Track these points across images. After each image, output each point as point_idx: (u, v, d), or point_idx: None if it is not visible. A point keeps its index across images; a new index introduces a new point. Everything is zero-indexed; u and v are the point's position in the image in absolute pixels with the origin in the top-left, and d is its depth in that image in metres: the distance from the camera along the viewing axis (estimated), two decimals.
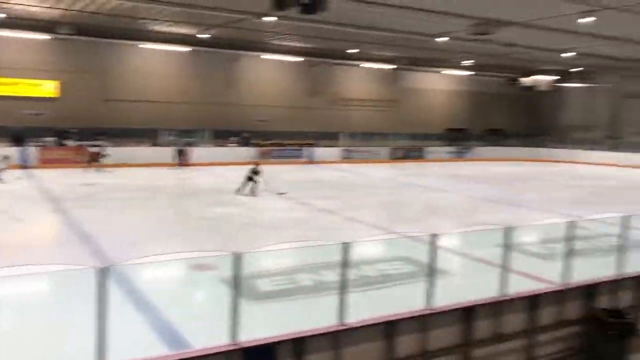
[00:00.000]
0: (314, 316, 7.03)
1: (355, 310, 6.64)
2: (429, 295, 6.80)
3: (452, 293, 7.79)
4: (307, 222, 15.24)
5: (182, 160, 27.49)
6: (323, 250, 10.55)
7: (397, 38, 25.94)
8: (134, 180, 22.56)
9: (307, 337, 5.92)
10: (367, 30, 23.81)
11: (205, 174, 25.47)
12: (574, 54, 29.04)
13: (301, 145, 32.70)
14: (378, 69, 36.59)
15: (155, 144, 28.45)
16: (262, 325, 7.90)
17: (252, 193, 18.49)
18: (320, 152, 32.58)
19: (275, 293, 9.72)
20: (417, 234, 8.41)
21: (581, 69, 38.70)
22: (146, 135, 28.34)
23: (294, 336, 5.91)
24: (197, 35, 27.51)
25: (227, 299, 5.73)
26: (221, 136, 30.85)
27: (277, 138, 32.63)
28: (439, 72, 38.87)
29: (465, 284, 10.56)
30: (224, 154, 29.40)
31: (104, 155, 24.59)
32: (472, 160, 37.43)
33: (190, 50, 30.11)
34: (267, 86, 33.53)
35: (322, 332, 6.03)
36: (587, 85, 41.21)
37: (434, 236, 6.87)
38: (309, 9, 16.33)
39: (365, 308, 7.02)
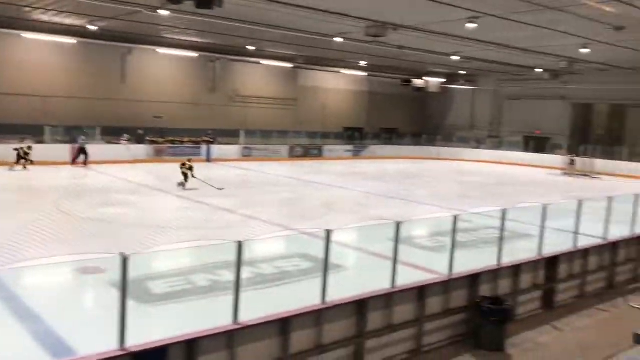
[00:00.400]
0: (209, 317, 6.92)
1: (252, 309, 6.62)
2: (324, 290, 6.92)
3: (347, 287, 7.98)
4: (203, 222, 14.96)
5: (79, 159, 26.10)
6: (219, 249, 10.41)
7: (295, 37, 26.11)
8: (14, 180, 20.98)
9: (200, 338, 5.81)
10: (265, 27, 23.71)
11: (95, 173, 24.22)
12: (459, 58, 30.77)
13: (199, 142, 32.03)
14: (278, 67, 36.64)
15: (40, 142, 26.57)
16: (157, 328, 7.67)
17: (182, 186, 19.83)
18: (219, 150, 32.09)
19: (170, 295, 9.47)
20: (314, 230, 8.55)
21: (465, 72, 41.11)
22: (30, 131, 26.40)
23: (187, 338, 5.77)
24: (87, 27, 26.02)
25: (117, 303, 5.48)
26: (114, 133, 29.47)
27: (175, 135, 31.75)
28: (338, 71, 39.62)
29: (360, 278, 10.88)
30: (116, 153, 28.12)
31: None
32: (368, 158, 38.62)
33: (79, 42, 28.41)
34: (163, 82, 32.45)
35: (216, 332, 5.94)
36: (472, 87, 43.95)
37: (329, 232, 6.99)
38: (203, 3, 16.00)
39: (262, 306, 7.02)
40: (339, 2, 18.89)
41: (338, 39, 25.66)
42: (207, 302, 9.05)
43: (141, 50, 31.09)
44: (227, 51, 33.54)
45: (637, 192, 13.27)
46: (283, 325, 6.47)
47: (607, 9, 16.46)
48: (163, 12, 20.39)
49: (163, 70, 32.39)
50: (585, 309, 10.49)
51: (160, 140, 30.86)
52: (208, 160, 30.89)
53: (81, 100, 29.20)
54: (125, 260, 5.36)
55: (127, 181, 21.87)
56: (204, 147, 31.62)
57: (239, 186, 22.10)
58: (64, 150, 26.52)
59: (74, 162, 26.06)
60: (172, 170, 21.83)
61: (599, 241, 11.67)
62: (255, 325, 6.19)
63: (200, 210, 16.58)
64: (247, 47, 31.48)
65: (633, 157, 34.74)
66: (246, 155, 33.12)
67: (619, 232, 12.46)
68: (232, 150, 32.87)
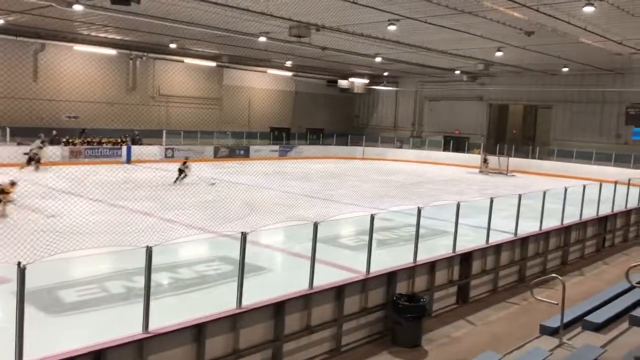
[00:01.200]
0: (123, 325, 6.63)
1: (169, 316, 6.42)
2: (240, 294, 6.81)
3: (269, 289, 7.91)
4: (119, 226, 14.38)
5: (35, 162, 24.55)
6: (136, 255, 10.05)
7: (219, 35, 25.70)
8: None
9: (108, 349, 5.55)
10: (186, 25, 23.17)
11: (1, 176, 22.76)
12: (381, 59, 31.40)
13: (117, 143, 30.86)
14: (201, 65, 35.95)
15: None
16: (65, 339, 7.28)
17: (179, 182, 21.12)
18: (139, 150, 31.05)
19: (83, 303, 9.04)
20: (233, 233, 8.41)
21: (388, 73, 42.03)
22: None
23: (94, 349, 5.50)
24: None
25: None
26: (25, 134, 27.81)
27: (93, 136, 30.43)
28: (263, 71, 39.39)
29: (280, 280, 10.83)
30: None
31: None
32: (294, 158, 38.62)
33: None
34: (79, 80, 30.88)
35: (124, 341, 5.70)
36: (395, 88, 45.02)
37: (244, 234, 6.88)
38: (119, 0, 15.41)
39: (179, 312, 6.82)
40: (262, 2, 18.75)
41: (262, 39, 25.50)
42: (121, 310, 8.70)
43: (55, 47, 29.57)
44: (148, 49, 32.55)
45: (546, 188, 13.99)
46: (197, 331, 6.31)
47: (516, 14, 17.27)
48: (77, 7, 19.47)
49: (79, 67, 30.86)
50: (497, 302, 10.96)
51: (77, 141, 29.47)
52: (128, 162, 29.81)
53: None
54: (23, 270, 5.03)
55: (38, 185, 20.71)
56: (124, 149, 30.50)
57: (159, 188, 21.46)
58: None
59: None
60: (87, 172, 20.88)
61: (510, 236, 12.21)
62: (168, 332, 6.00)
63: (117, 214, 15.95)
64: (169, 45, 30.68)
65: (542, 155, 36.81)
66: (169, 157, 32.26)
67: (529, 227, 13.12)
68: (154, 151, 31.92)
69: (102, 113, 31.39)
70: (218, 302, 7.29)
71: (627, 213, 17.53)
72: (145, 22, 22.47)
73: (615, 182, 16.93)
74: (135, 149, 31.02)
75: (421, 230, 9.91)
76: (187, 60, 34.60)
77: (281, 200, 20.08)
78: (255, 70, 39.18)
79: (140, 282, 8.76)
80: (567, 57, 28.01)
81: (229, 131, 37.19)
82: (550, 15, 17.52)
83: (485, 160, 35.67)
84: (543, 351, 6.98)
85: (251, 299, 7.00)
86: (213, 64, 35.89)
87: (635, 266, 9.01)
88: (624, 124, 34.61)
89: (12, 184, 15.54)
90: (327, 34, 23.19)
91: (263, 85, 41.25)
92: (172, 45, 30.84)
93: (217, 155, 35.08)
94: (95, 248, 10.83)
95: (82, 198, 17.89)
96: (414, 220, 9.77)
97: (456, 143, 41.58)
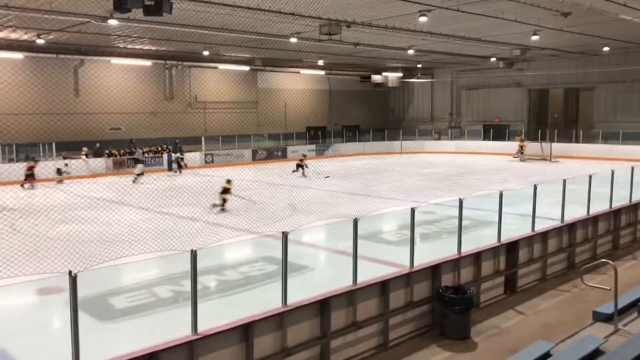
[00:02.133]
0: (172, 329, 6.79)
1: (218, 317, 6.55)
2: (285, 293, 6.87)
3: (313, 287, 7.96)
4: (167, 232, 14.70)
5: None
6: (183, 259, 10.28)
7: (251, 39, 25.97)
8: None
9: (160, 351, 5.69)
10: (219, 31, 23.51)
11: (51, 190, 23.60)
12: (414, 51, 31.08)
13: (159, 152, 31.55)
14: (235, 70, 36.40)
15: None
16: (118, 344, 7.50)
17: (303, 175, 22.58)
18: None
19: (133, 309, 9.29)
20: (275, 233, 8.50)
21: (421, 65, 41.56)
22: None
23: (147, 352, 5.65)
24: (37, 41, 25.33)
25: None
26: (71, 148, 28.77)
27: (141, 146, 31.28)
28: (296, 72, 39.58)
29: (324, 277, 10.88)
30: (74, 168, 27.44)
31: None
32: (332, 156, 38.68)
33: (27, 57, 27.64)
34: (118, 92, 31.80)
35: (175, 344, 5.83)
36: (430, 80, 44.49)
37: (285, 234, 6.94)
38: (152, 10, 15.71)
39: (227, 313, 6.94)
40: (291, 3, 18.84)
41: (293, 39, 25.62)
42: (170, 313, 8.91)
43: (93, 62, 30.47)
44: (183, 57, 33.15)
45: (592, 172, 13.59)
46: (245, 331, 6.39)
47: None
48: (112, 22, 20.03)
49: (118, 80, 31.76)
50: (547, 290, 10.71)
51: (119, 152, 30.29)
52: (170, 169, 30.43)
53: (32, 116, 28.40)
54: (74, 279, 5.21)
55: (85, 197, 21.39)
56: (165, 157, 31.17)
57: (202, 194, 21.81)
58: (19, 169, 25.77)
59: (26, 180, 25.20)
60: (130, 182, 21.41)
61: (557, 223, 11.92)
62: (216, 333, 6.11)
63: (163, 221, 16.31)
64: (202, 52, 31.18)
65: (586, 138, 35.74)
66: (209, 162, 32.80)
67: (576, 213, 12.78)
68: (195, 157, 32.51)
69: (143, 123, 32.15)
70: (264, 301, 7.38)
71: None
72: (178, 31, 22.91)
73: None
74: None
75: (464, 222, 9.77)
76: (221, 66, 35.09)
77: (322, 199, 20.16)
78: (289, 72, 39.42)
79: (187, 285, 8.97)
80: (607, 36, 27.06)
81: (265, 134, 37.53)
82: None
83: (520, 147, 34.88)
84: (597, 339, 6.80)
85: (296, 297, 7.06)
86: (247, 68, 36.28)
87: None
88: None
89: (229, 181, 18.41)
90: (358, 29, 23.10)
91: (297, 86, 41.45)
92: (206, 53, 31.33)
93: (255, 158, 35.47)
94: (142, 254, 11.11)
95: (129, 207, 18.40)
96: (456, 212, 9.65)
97: (496, 131, 40.78)
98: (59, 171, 25.89)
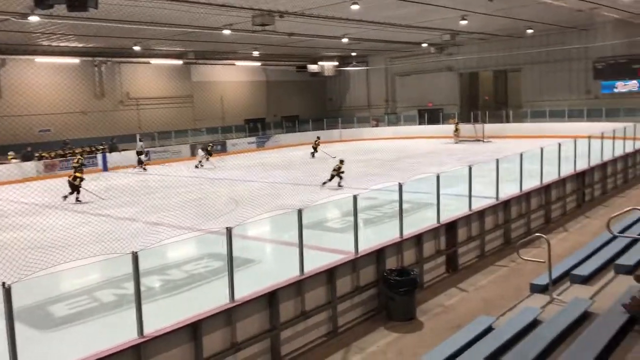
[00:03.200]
0: (118, 332, 6.62)
1: (164, 317, 6.43)
2: (231, 288, 6.83)
3: (259, 280, 7.94)
4: (106, 235, 14.27)
5: None
6: (125, 261, 10.01)
7: (182, 32, 25.41)
8: None
9: (105, 357, 5.55)
10: (148, 25, 22.87)
11: None
12: (348, 40, 31.34)
13: (92, 152, 30.46)
14: (168, 64, 35.55)
15: None
16: (60, 353, 7.26)
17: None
18: (116, 157, 30.70)
19: (75, 315, 8.99)
20: (219, 229, 8.40)
21: (356, 53, 41.92)
22: None
23: (91, 359, 5.49)
24: None
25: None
26: None
27: (70, 146, 30.05)
28: (232, 64, 39.07)
29: (271, 269, 10.88)
30: (2, 173, 26.09)
31: None
32: (272, 148, 38.53)
33: None
34: (46, 92, 30.37)
35: (121, 348, 5.70)
36: (365, 67, 44.98)
37: (229, 229, 6.89)
38: (76, 6, 15.08)
39: (173, 313, 6.83)
40: None
41: (226, 31, 25.28)
42: (114, 318, 8.67)
43: (16, 61, 28.98)
44: (112, 53, 32.06)
45: (522, 150, 14.17)
46: (193, 330, 6.32)
47: None
48: (33, 19, 19.10)
49: (44, 80, 30.27)
50: (486, 267, 11.14)
51: (50, 154, 29.03)
52: (105, 169, 29.46)
53: None
54: (8, 290, 4.99)
55: (17, 202, 20.41)
56: (99, 157, 30.13)
57: (140, 193, 21.28)
58: None
59: None
60: (65, 184, 20.57)
61: (492, 201, 12.38)
62: (163, 334, 6.01)
63: (102, 223, 15.81)
64: (132, 47, 30.25)
65: (516, 118, 37.23)
66: (146, 160, 31.94)
67: (510, 190, 13.31)
68: (130, 156, 31.56)
69: (74, 123, 30.91)
70: (211, 298, 7.31)
71: (604, 166, 17.85)
72: (105, 26, 22.15)
73: (589, 137, 17.21)
74: (112, 155, 30.67)
75: (405, 205, 10.00)
76: (153, 60, 34.18)
77: (265, 191, 20.07)
78: (224, 64, 38.85)
79: (130, 288, 8.75)
80: (531, 19, 28.18)
81: (203, 128, 36.93)
82: None
83: (456, 130, 35.94)
84: (534, 309, 7.13)
85: (244, 292, 7.03)
86: (180, 62, 35.52)
87: (615, 216, 9.20)
88: (593, 79, 35.11)
89: (342, 161, 20.63)
90: (292, 19, 23.04)
91: (233, 78, 40.94)
92: (136, 48, 30.42)
93: (194, 154, 34.82)
94: (82, 259, 10.73)
95: (65, 211, 17.72)
96: (397, 197, 9.84)
97: (431, 115, 41.78)
98: None
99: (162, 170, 28.39)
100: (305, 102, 45.55)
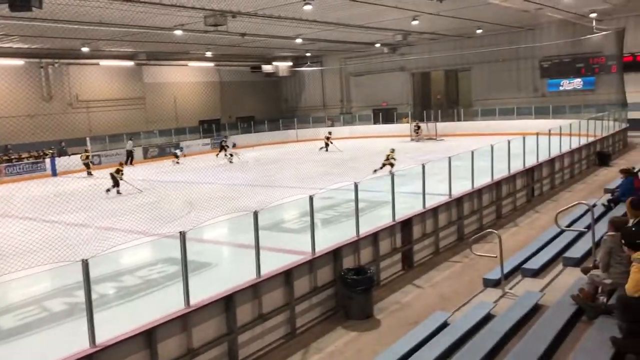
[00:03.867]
0: (70, 342, 6.41)
1: (119, 325, 6.27)
2: (186, 293, 6.72)
3: (216, 284, 7.84)
4: (54, 241, 13.80)
5: None
6: (75, 269, 9.72)
7: (132, 32, 24.86)
8: None
9: None
10: (97, 26, 22.27)
11: None
12: (301, 40, 31.36)
13: (39, 157, 29.46)
14: (119, 65, 34.72)
15: None
16: None
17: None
18: (65, 162, 29.74)
19: (23, 327, 8.67)
20: (173, 233, 8.23)
21: (310, 54, 41.99)
22: None
23: None
24: None
25: None
26: None
27: (12, 152, 28.91)
28: (184, 64, 38.48)
29: (228, 273, 10.77)
30: None
31: None
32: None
33: None
34: None
35: (72, 359, 5.52)
36: (319, 68, 45.11)
37: (183, 233, 6.77)
38: (19, 5, 14.54)
39: (127, 320, 6.67)
40: None
41: (178, 32, 24.90)
42: (65, 327, 8.41)
43: None
44: (60, 55, 31.10)
45: (474, 148, 14.49)
46: (148, 337, 6.19)
47: None
48: None
49: None
50: (441, 263, 11.34)
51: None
52: (54, 174, 28.54)
53: None
54: None
55: None
56: (47, 162, 29.17)
57: (90, 198, 20.71)
58: None
59: None
60: (13, 190, 19.85)
61: (445, 198, 12.61)
62: (117, 343, 5.86)
63: (51, 230, 15.27)
64: (81, 48, 29.39)
65: (467, 116, 38.10)
66: (96, 164, 31.09)
67: (463, 187, 13.60)
68: (79, 160, 30.64)
69: (20, 127, 29.73)
70: (166, 304, 7.18)
71: (551, 161, 18.45)
72: (52, 27, 21.44)
73: (537, 134, 17.75)
74: (61, 160, 29.71)
75: (361, 204, 10.08)
76: (103, 62, 33.32)
77: (222, 193, 19.84)
78: (176, 65, 38.23)
79: (82, 296, 8.51)
80: (479, 19, 28.88)
81: (156, 130, 36.26)
82: None
83: (417, 128, 36.46)
84: (488, 304, 7.31)
85: (200, 296, 6.93)
86: (130, 63, 34.75)
87: (562, 211, 9.53)
88: (539, 78, 36.28)
89: (392, 150, 22.12)
90: (244, 19, 22.89)
91: (186, 79, 40.34)
92: (85, 49, 29.57)
93: (147, 156, 34.17)
94: (30, 268, 10.36)
95: (11, 218, 17.06)
96: (353, 196, 9.90)
97: (385, 115, 42.26)
98: None
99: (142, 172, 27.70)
100: (260, 102, 45.30)
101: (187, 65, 38.62)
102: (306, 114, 45.44)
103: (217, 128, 40.91)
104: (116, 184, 21.28)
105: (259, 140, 40.07)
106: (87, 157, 28.36)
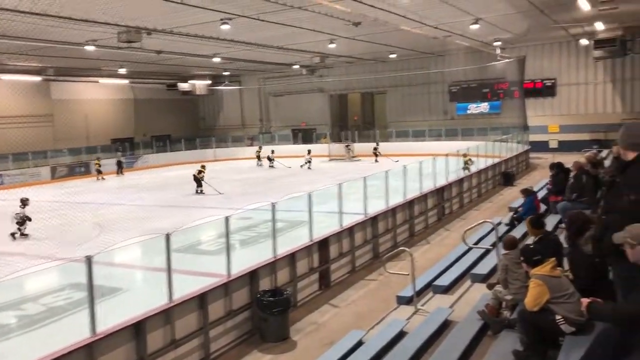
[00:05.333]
0: None
1: (14, 358, 5.87)
2: (92, 321, 6.40)
3: (126, 310, 7.53)
4: None
5: None
6: None
7: (40, 47, 23.67)
8: None
9: None
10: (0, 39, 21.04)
11: None
12: (220, 59, 31.18)
13: None
14: (24, 81, 32.83)
15: None
16: None
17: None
18: None
19: None
20: (80, 257, 7.81)
21: (229, 73, 41.80)
22: None
23: None
24: None
25: None
26: None
27: None
28: (96, 81, 37.02)
29: (139, 298, 10.36)
30: None
31: None
32: (142, 168, 36.98)
33: None
34: None
35: None
36: (238, 87, 44.97)
37: (89, 258, 6.47)
38: None
39: (27, 351, 6.25)
40: (84, 9, 17.58)
41: (90, 47, 23.99)
42: None
43: None
44: None
45: (388, 168, 14.92)
46: None
47: (339, 6, 18.03)
48: None
49: None
50: (357, 281, 11.51)
51: None
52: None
53: None
54: None
55: None
56: None
57: None
58: None
59: None
60: None
61: (361, 217, 12.86)
62: None
63: None
64: None
65: (383, 137, 39.26)
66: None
67: (379, 206, 13.93)
68: None
69: None
70: (71, 333, 6.80)
71: (460, 181, 19.34)
72: None
73: (447, 155, 18.58)
74: None
75: (280, 224, 10.09)
76: (6, 76, 31.40)
77: (134, 214, 19.15)
78: (87, 81, 36.71)
79: None
80: (393, 44, 30.00)
81: (65, 148, 34.53)
82: (371, 6, 18.60)
83: (347, 146, 36.92)
84: (401, 321, 7.49)
85: (110, 323, 6.63)
86: (38, 78, 32.98)
87: (469, 229, 10.00)
88: (449, 101, 38.13)
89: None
90: (160, 37, 22.43)
91: (98, 96, 38.83)
92: None
93: (55, 176, 32.41)
94: None
95: None
96: (273, 216, 9.87)
97: (304, 135, 42.67)
98: None
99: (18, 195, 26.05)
100: (176, 121, 44.37)
101: (98, 82, 37.20)
102: (224, 133, 44.99)
103: (130, 146, 39.55)
104: (199, 183, 23.56)
105: (176, 160, 39.09)
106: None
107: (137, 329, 6.84)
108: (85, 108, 37.78)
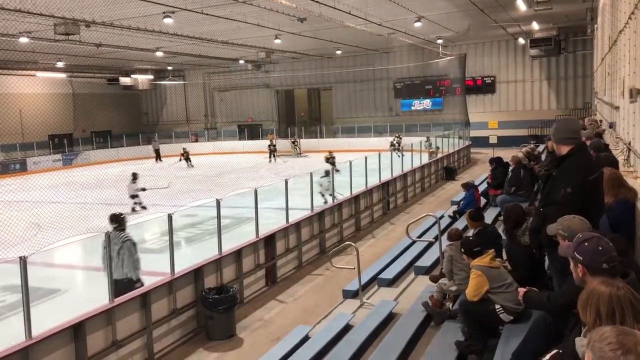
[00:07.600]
0: None
1: None
2: (28, 324, 6.13)
3: (65, 312, 7.26)
4: None
5: None
6: None
7: None
8: None
9: None
10: None
11: None
12: (162, 53, 30.48)
13: None
14: None
15: None
16: None
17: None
18: None
19: None
20: (14, 258, 7.44)
21: (172, 67, 40.98)
22: None
23: None
24: None
25: None
26: None
27: None
28: (32, 75, 35.43)
29: (79, 299, 10.03)
30: None
31: None
32: (82, 165, 35.74)
33: None
34: None
35: None
36: (182, 82, 44.14)
37: (24, 259, 6.20)
38: None
39: None
40: None
41: (24, 39, 22.94)
42: None
43: None
44: None
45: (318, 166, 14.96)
46: None
47: (284, 2, 17.95)
48: None
49: None
50: (303, 277, 11.53)
51: None
52: None
53: None
54: None
55: None
56: None
57: None
58: None
59: None
60: None
61: (307, 213, 12.88)
62: None
63: None
64: None
65: (329, 133, 39.52)
66: None
67: (324, 201, 13.98)
68: None
69: None
70: (5, 337, 6.50)
71: (404, 176, 19.68)
72: None
73: (391, 151, 18.86)
74: None
75: (226, 221, 9.97)
76: None
77: (73, 212, 18.48)
78: (22, 75, 35.10)
79: None
80: (338, 41, 30.17)
81: None
82: (316, 1, 18.63)
83: (294, 142, 36.82)
84: (347, 315, 7.55)
85: (48, 326, 6.38)
86: None
87: (413, 222, 10.20)
88: (394, 98, 38.72)
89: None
90: (100, 29, 21.70)
91: (34, 90, 37.13)
92: None
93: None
94: None
95: None
96: (223, 213, 9.73)
97: (251, 131, 42.37)
98: None
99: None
100: (118, 116, 43.04)
101: (34, 75, 35.63)
102: (168, 129, 44.05)
103: (69, 142, 38.14)
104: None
105: (117, 156, 37.97)
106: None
107: (76, 331, 6.61)
108: (19, 103, 36.04)
